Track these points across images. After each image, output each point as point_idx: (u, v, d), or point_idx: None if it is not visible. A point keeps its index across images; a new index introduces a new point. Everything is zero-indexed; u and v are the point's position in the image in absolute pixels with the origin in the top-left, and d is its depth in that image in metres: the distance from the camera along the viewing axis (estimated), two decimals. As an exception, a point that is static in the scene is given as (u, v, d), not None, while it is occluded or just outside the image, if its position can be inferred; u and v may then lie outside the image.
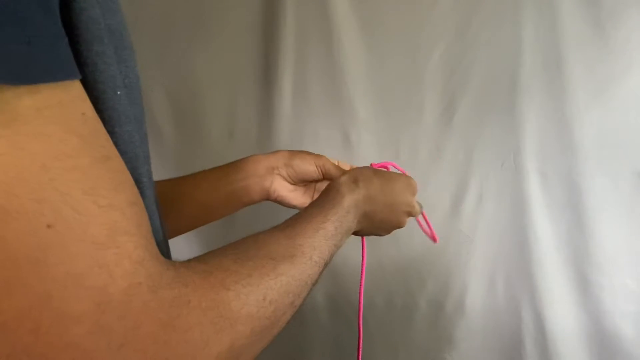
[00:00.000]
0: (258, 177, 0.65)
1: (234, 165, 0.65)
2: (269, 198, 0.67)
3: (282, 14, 0.88)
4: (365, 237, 0.65)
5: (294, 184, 0.67)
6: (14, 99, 0.23)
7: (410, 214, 0.62)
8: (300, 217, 0.49)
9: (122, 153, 0.31)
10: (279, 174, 0.66)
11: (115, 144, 0.30)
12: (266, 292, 0.35)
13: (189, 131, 0.96)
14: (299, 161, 0.65)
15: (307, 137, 0.93)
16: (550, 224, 0.87)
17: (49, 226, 0.23)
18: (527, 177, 0.87)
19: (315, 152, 0.92)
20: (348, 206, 0.53)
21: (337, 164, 0.68)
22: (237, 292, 0.33)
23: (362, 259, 0.67)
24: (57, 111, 0.24)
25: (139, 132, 0.34)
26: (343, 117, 0.91)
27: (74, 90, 0.26)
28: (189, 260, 0.34)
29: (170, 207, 0.62)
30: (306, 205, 0.68)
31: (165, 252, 0.41)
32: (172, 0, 0.91)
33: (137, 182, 0.33)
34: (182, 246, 0.97)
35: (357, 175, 0.58)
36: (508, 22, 0.83)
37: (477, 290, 0.92)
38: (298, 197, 0.69)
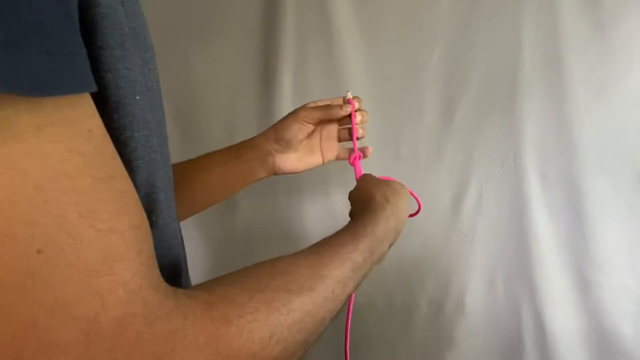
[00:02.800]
0: (258, 162, 0.66)
1: (236, 151, 0.67)
2: (277, 174, 0.69)
3: (282, 14, 0.88)
4: None
5: (295, 149, 0.68)
6: (13, 116, 0.22)
7: None
8: (330, 243, 0.45)
9: (139, 158, 0.30)
10: (277, 152, 0.67)
11: (133, 149, 0.30)
12: (274, 329, 0.32)
13: (189, 131, 0.96)
14: (284, 132, 0.65)
15: (307, 137, 0.92)
16: (550, 224, 0.87)
17: (39, 251, 0.22)
18: (527, 177, 0.87)
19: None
20: (382, 234, 0.50)
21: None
22: (240, 327, 0.30)
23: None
24: (60, 128, 0.23)
25: (158, 135, 0.34)
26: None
27: (82, 106, 0.25)
28: (193, 288, 0.32)
29: (185, 189, 0.63)
30: (316, 156, 0.71)
31: (181, 254, 0.40)
32: (172, 1, 0.91)
33: (152, 186, 0.33)
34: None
35: (389, 195, 0.56)
36: (508, 22, 0.83)
37: (477, 290, 0.92)
38: (305, 158, 0.70)
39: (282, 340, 0.32)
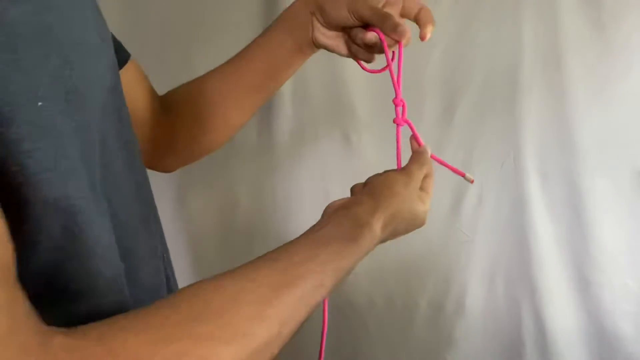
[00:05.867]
0: (299, 30, 0.57)
1: (277, 26, 0.59)
2: (316, 46, 0.59)
3: (282, 14, 0.88)
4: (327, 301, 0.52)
5: (333, 30, 0.57)
6: None
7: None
8: (290, 270, 0.36)
9: (47, 170, 0.26)
10: (316, 19, 0.56)
11: (37, 160, 0.26)
12: None
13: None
14: (329, 6, 0.54)
15: (307, 137, 0.92)
16: (550, 224, 0.87)
17: None
18: (527, 177, 0.87)
19: (316, 152, 0.93)
20: (356, 262, 0.41)
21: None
22: None
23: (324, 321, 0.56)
24: None
25: (82, 142, 0.29)
26: (343, 117, 0.91)
27: None
28: (84, 330, 0.26)
29: (228, 95, 0.59)
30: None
31: (119, 266, 0.34)
32: (172, 1, 0.91)
33: (69, 198, 0.28)
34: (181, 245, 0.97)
35: (391, 218, 0.45)
36: (508, 22, 0.83)
37: (477, 290, 0.92)
38: (341, 46, 0.58)
39: None
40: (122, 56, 0.55)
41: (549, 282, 0.88)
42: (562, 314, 0.89)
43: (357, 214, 0.44)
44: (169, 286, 0.46)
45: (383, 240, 0.46)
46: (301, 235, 0.42)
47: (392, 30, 0.51)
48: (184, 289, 0.32)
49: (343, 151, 0.92)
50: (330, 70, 0.89)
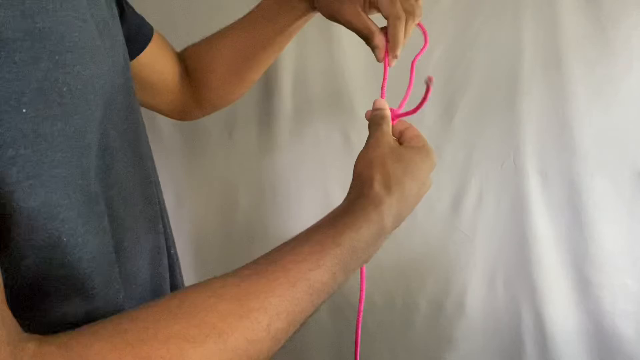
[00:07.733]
0: (302, 9, 0.58)
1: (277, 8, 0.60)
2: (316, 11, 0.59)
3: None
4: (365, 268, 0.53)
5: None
6: None
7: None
8: (281, 256, 0.35)
9: (33, 177, 0.26)
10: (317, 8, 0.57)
11: (22, 168, 0.26)
12: None
13: (189, 131, 0.96)
14: (323, 4, 0.55)
15: (307, 137, 0.92)
16: (550, 224, 0.87)
17: None
18: (527, 177, 0.87)
19: (316, 152, 0.93)
20: (365, 242, 0.38)
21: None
22: None
23: (361, 288, 0.56)
24: None
25: (75, 146, 0.29)
26: (343, 117, 0.91)
27: None
28: (54, 338, 0.26)
29: (240, 53, 0.62)
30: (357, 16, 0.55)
31: (114, 268, 0.34)
32: (172, 1, 0.91)
33: (56, 205, 0.28)
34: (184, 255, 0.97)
35: (396, 178, 0.42)
36: (508, 22, 0.83)
37: (477, 290, 0.92)
38: (346, 10, 0.56)
39: None
40: (147, 31, 0.58)
41: (549, 282, 0.88)
42: (562, 314, 0.89)
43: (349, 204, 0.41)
44: (173, 282, 0.46)
45: (401, 202, 0.42)
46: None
47: (367, 44, 0.55)
48: (167, 295, 0.31)
49: (343, 150, 0.92)
50: (330, 69, 0.89)
